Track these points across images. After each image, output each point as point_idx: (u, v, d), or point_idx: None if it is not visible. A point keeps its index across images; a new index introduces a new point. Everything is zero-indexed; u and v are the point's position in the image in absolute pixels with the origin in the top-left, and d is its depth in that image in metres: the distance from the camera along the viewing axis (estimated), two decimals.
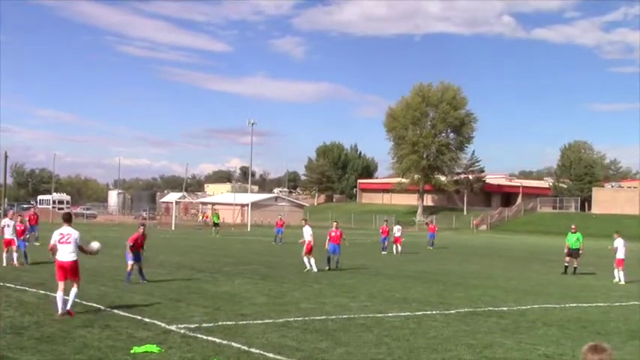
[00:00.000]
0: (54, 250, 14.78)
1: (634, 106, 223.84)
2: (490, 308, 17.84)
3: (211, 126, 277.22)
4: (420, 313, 16.48)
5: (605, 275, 30.40)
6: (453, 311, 17.01)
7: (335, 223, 30.36)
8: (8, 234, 25.91)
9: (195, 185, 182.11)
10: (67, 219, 15.58)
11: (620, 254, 26.89)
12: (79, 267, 14.93)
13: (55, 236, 14.84)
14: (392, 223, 45.23)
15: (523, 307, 18.24)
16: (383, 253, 38.85)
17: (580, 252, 31.11)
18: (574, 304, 19.44)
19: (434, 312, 16.71)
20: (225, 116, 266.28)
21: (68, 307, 14.32)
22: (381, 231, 42.69)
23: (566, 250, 31.04)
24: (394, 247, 39.40)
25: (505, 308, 17.97)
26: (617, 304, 20.11)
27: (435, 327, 14.56)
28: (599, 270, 33.60)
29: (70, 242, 14.69)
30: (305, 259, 27.10)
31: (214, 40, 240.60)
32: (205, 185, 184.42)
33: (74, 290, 14.57)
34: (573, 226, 32.69)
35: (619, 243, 27.39)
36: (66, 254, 14.66)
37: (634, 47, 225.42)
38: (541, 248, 50.15)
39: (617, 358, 12.11)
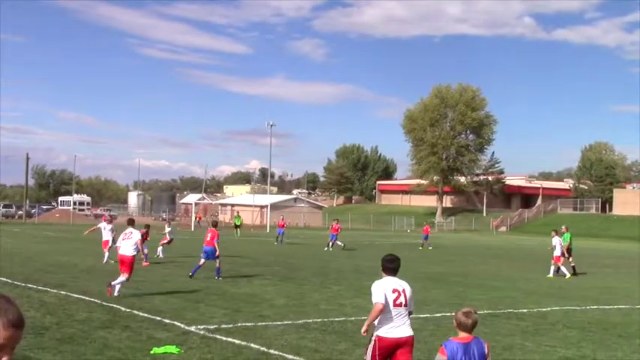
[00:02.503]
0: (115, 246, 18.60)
1: None
2: (510, 310, 17.77)
3: (231, 127, 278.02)
4: (439, 314, 16.43)
5: (626, 277, 30.22)
6: None
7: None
8: (106, 236, 28.34)
9: (214, 186, 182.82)
10: (131, 222, 19.36)
11: (557, 252, 28.64)
12: (134, 262, 18.29)
13: (121, 236, 18.59)
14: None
15: (543, 309, 18.15)
16: (325, 249, 41.64)
17: (550, 249, 30.94)
18: (595, 307, 19.31)
19: (453, 313, 16.64)
20: (245, 118, 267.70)
21: (115, 292, 17.36)
22: (330, 228, 46.81)
23: (566, 252, 30.92)
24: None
25: (525, 310, 17.89)
26: (638, 306, 19.95)
27: (454, 329, 14.49)
28: (618, 272, 33.38)
29: (131, 239, 18.20)
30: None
31: (235, 42, 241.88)
32: (224, 186, 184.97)
33: (122, 277, 17.67)
34: (565, 226, 32.73)
35: (556, 241, 28.89)
36: (126, 249, 18.05)
37: None
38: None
39: None
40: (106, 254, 27.64)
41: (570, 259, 30.70)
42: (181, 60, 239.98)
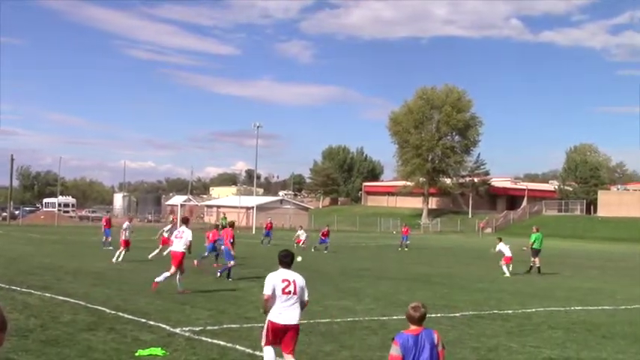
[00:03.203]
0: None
1: None
2: (495, 311, 17.83)
3: (217, 129, 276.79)
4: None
5: (610, 278, 30.41)
6: (458, 314, 17.00)
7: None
8: (124, 236, 30.22)
9: (200, 188, 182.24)
10: (185, 221, 21.01)
11: (508, 253, 29.96)
12: (184, 257, 19.71)
13: (173, 233, 20.98)
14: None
15: (528, 310, 18.23)
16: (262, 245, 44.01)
17: (524, 249, 31.88)
18: (579, 307, 19.42)
19: (439, 315, 16.69)
20: (232, 119, 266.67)
21: (159, 279, 19.12)
22: (265, 226, 50.49)
23: (529, 250, 31.19)
24: (295, 246, 42.22)
25: (510, 311, 17.95)
26: (623, 307, 20.08)
27: (440, 330, 14.43)
28: (602, 273, 33.61)
29: (181, 238, 19.85)
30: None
31: (222, 43, 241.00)
32: (210, 188, 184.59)
33: (166, 273, 19.30)
34: (536, 227, 33.00)
35: (502, 247, 30.22)
36: (178, 246, 19.75)
37: None
38: (546, 251, 50.00)
39: None
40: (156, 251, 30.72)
41: (533, 259, 30.95)
42: (168, 61, 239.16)
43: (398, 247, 48.01)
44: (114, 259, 28.58)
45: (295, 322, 9.40)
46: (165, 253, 30.12)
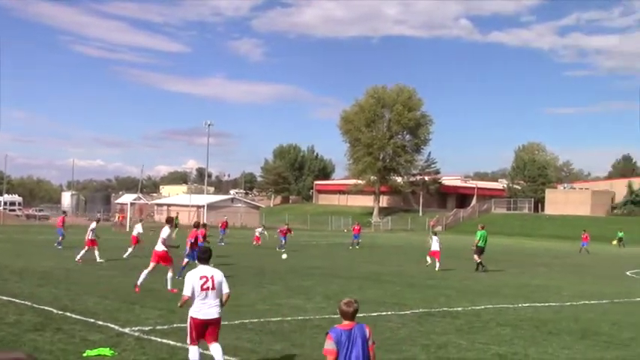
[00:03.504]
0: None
1: (586, 109, 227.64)
2: (445, 309, 17.99)
3: (168, 127, 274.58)
4: (376, 313, 16.54)
5: (557, 275, 30.92)
6: (408, 312, 17.12)
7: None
8: (90, 236, 29.97)
9: (150, 187, 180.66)
10: (169, 221, 21.94)
11: (434, 248, 31.69)
12: (168, 254, 20.41)
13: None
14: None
15: (477, 308, 18.43)
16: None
17: (473, 248, 31.95)
18: (527, 304, 19.70)
19: (389, 313, 16.80)
20: (183, 117, 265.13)
21: (168, 286, 19.70)
22: (220, 225, 50.46)
23: (475, 248, 31.57)
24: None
25: (459, 309, 18.13)
26: (569, 303, 20.43)
27: (390, 328, 14.64)
28: (549, 270, 34.18)
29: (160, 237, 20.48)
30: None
31: (172, 41, 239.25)
32: (161, 186, 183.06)
33: (169, 274, 20.08)
34: (482, 225, 33.48)
35: (433, 240, 32.31)
36: (159, 245, 20.35)
37: (587, 51, 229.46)
38: (495, 249, 50.66)
39: (568, 357, 12.31)
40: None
41: (476, 256, 31.33)
42: (118, 58, 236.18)
43: (349, 246, 48.14)
44: (98, 259, 28.60)
45: (216, 317, 9.82)
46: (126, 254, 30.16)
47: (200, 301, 9.70)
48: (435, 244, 31.78)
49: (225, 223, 51.18)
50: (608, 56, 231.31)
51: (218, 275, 9.91)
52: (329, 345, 6.89)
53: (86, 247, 29.46)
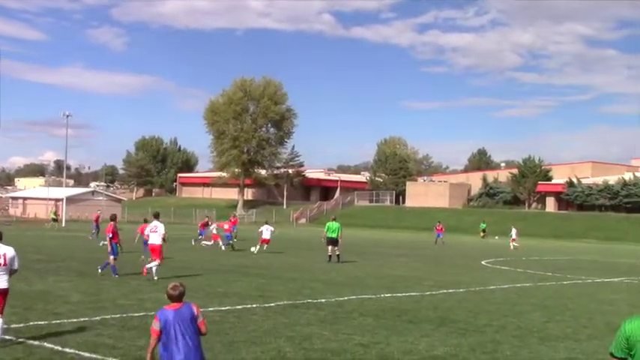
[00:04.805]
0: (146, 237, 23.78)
1: (444, 104, 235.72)
2: (309, 300, 18.15)
3: (24, 117, 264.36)
4: (240, 307, 16.51)
5: (417, 265, 31.80)
6: (272, 304, 17.16)
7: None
8: None
9: (4, 179, 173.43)
10: (156, 216, 23.60)
11: (265, 236, 35.93)
12: (162, 249, 22.47)
13: (147, 228, 23.73)
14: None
15: (341, 299, 18.69)
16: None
17: (339, 240, 32.18)
18: (389, 294, 20.15)
19: (254, 305, 16.79)
20: (40, 108, 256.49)
21: (154, 276, 21.52)
22: (94, 219, 50.16)
23: (325, 240, 32.17)
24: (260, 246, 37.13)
25: (323, 300, 18.34)
26: (428, 293, 21.05)
27: (255, 320, 14.64)
28: (410, 261, 35.09)
29: (156, 232, 22.44)
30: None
31: (29, 27, 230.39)
32: (16, 179, 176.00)
33: (155, 263, 21.88)
34: (333, 216, 34.38)
35: (264, 229, 36.09)
36: (155, 239, 22.35)
37: (445, 49, 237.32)
38: (358, 241, 51.66)
39: (428, 344, 12.69)
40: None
41: (333, 248, 31.82)
42: None
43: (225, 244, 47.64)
44: None
45: (4, 287, 11.42)
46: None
47: None
48: (266, 233, 35.62)
49: (97, 216, 50.49)
50: (464, 54, 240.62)
51: (10, 252, 11.50)
52: (155, 325, 7.40)
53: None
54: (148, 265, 22.09)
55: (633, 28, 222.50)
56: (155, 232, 22.50)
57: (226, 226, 39.25)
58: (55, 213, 68.58)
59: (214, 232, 40.29)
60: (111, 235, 23.03)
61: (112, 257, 22.77)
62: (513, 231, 54.12)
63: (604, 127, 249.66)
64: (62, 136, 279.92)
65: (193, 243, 41.96)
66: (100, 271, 22.75)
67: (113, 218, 24.02)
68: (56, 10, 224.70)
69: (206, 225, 43.34)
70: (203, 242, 40.76)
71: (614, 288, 25.56)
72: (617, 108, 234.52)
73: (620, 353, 5.81)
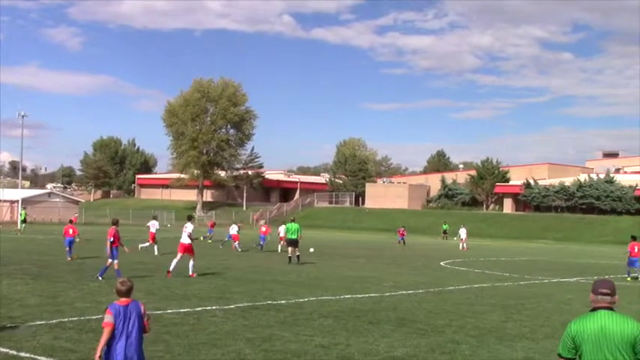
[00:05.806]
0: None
1: (403, 106, 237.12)
2: (269, 302, 18.13)
3: None
4: (200, 308, 16.43)
5: (376, 266, 31.91)
6: (232, 306, 17.11)
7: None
8: None
9: None
10: (189, 218, 26.13)
11: (232, 232, 39.60)
12: (193, 247, 24.83)
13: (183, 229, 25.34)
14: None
15: (300, 300, 18.70)
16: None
17: (299, 241, 32.46)
18: (348, 295, 20.21)
19: (214, 307, 16.72)
20: None
21: (190, 272, 24.12)
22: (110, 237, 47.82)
23: (283, 243, 32.37)
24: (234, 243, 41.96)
25: (283, 301, 18.33)
26: (388, 294, 21.15)
27: (215, 322, 14.57)
28: (370, 262, 35.20)
29: (185, 231, 24.79)
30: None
31: None
32: None
33: (191, 262, 24.46)
34: (292, 217, 34.52)
35: (189, 226, 33.59)
36: (184, 238, 24.68)
37: (404, 51, 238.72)
38: (318, 242, 51.70)
39: (388, 344, 12.74)
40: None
41: (289, 249, 32.18)
42: None
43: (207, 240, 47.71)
44: None
45: None
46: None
47: None
48: (232, 229, 37.64)
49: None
50: (423, 56, 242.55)
51: None
52: (108, 318, 7.67)
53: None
54: (190, 272, 24.07)
55: (587, 31, 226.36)
56: (185, 232, 24.85)
57: (264, 229, 43.58)
58: (24, 214, 64.63)
59: (234, 232, 42.88)
60: (112, 239, 22.80)
61: (115, 262, 22.61)
62: (462, 231, 54.64)
63: (560, 129, 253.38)
64: (17, 137, 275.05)
65: (221, 247, 43.14)
66: (99, 277, 22.26)
67: (115, 222, 23.93)
68: (11, 9, 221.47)
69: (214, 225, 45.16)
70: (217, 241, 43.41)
71: (570, 288, 25.94)
72: (572, 110, 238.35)
73: (567, 354, 5.95)
